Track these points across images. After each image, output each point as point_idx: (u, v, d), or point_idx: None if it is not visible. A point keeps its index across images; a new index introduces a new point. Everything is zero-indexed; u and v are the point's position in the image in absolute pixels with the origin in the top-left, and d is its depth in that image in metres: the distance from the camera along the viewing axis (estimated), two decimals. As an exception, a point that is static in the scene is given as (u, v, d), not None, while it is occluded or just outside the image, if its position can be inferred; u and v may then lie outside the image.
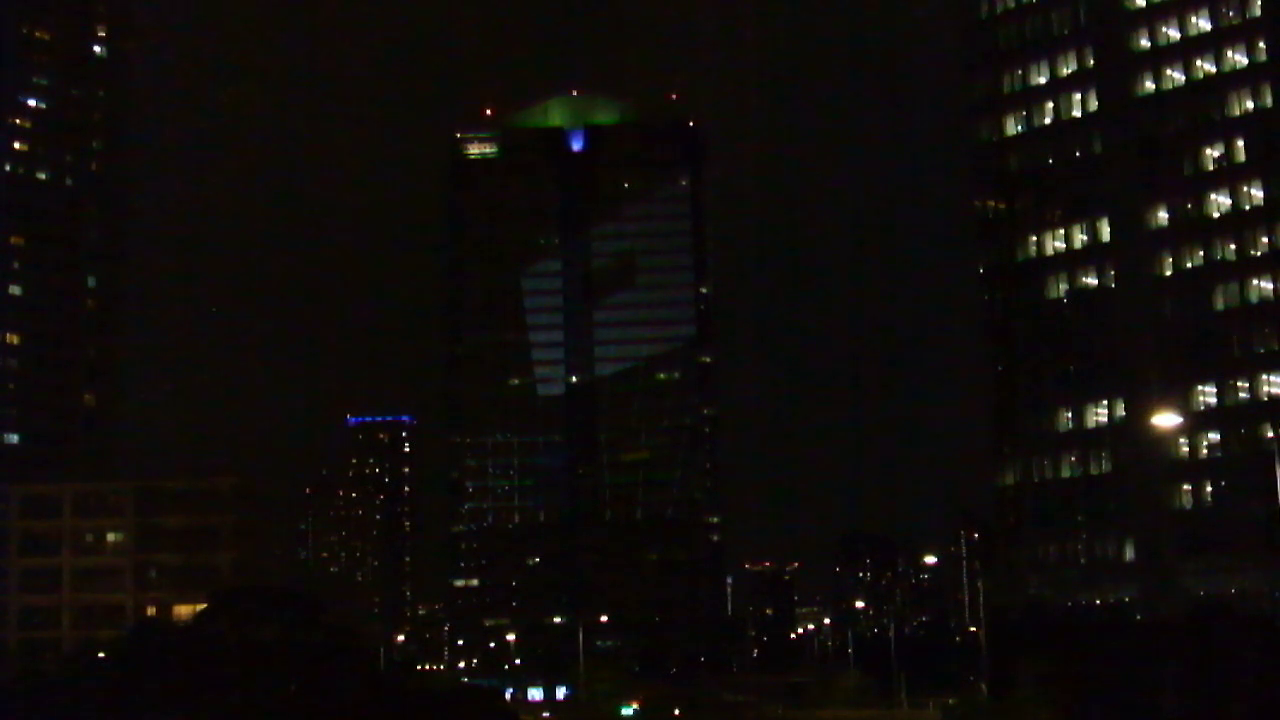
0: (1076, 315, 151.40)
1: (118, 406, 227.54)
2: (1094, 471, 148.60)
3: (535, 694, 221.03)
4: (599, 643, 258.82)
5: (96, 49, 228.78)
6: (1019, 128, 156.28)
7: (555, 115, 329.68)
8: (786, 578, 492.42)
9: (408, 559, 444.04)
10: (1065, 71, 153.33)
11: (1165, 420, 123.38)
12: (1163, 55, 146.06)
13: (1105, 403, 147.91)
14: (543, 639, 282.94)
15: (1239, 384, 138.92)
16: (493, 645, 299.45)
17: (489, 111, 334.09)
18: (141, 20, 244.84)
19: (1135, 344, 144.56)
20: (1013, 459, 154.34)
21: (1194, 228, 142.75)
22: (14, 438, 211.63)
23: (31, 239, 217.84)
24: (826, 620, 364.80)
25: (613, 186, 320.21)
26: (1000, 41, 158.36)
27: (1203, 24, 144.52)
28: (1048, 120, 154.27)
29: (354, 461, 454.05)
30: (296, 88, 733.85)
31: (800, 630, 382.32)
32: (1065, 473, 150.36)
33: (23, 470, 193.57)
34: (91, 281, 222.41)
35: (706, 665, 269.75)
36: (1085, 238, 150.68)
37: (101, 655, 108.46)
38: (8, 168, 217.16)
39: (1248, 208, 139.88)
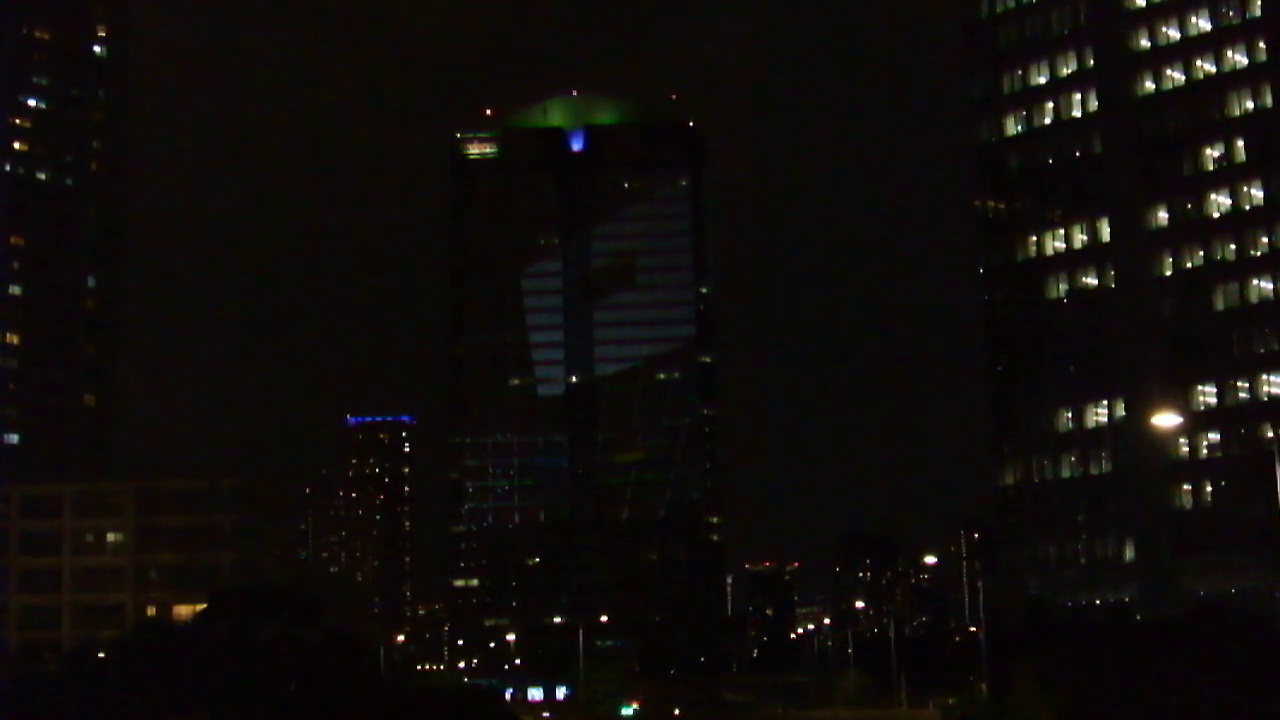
0: (1076, 315, 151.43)
1: (118, 406, 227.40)
2: (1094, 471, 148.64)
3: (535, 694, 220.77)
4: (599, 643, 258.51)
5: (96, 49, 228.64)
6: (1019, 128, 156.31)
7: (555, 115, 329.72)
8: (786, 578, 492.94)
9: (408, 559, 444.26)
10: (1065, 71, 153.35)
11: (1165, 420, 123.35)
12: (1163, 55, 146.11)
13: (1105, 403, 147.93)
14: (543, 639, 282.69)
15: (1239, 384, 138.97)
16: (493, 645, 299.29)
17: (489, 111, 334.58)
18: (141, 20, 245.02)
19: (1135, 344, 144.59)
20: (1013, 459, 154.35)
21: (1194, 228, 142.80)
22: (14, 438, 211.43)
23: (31, 239, 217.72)
24: (826, 620, 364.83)
25: (613, 186, 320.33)
26: (1000, 41, 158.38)
27: (1203, 24, 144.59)
28: (1048, 120, 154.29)
29: (354, 461, 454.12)
30: (297, 88, 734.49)
31: (800, 630, 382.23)
32: (1065, 473, 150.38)
33: (23, 470, 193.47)
34: (91, 281, 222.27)
35: (706, 665, 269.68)
36: (1085, 238, 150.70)
37: (101, 655, 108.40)
38: (8, 168, 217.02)
39: (1248, 208, 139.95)
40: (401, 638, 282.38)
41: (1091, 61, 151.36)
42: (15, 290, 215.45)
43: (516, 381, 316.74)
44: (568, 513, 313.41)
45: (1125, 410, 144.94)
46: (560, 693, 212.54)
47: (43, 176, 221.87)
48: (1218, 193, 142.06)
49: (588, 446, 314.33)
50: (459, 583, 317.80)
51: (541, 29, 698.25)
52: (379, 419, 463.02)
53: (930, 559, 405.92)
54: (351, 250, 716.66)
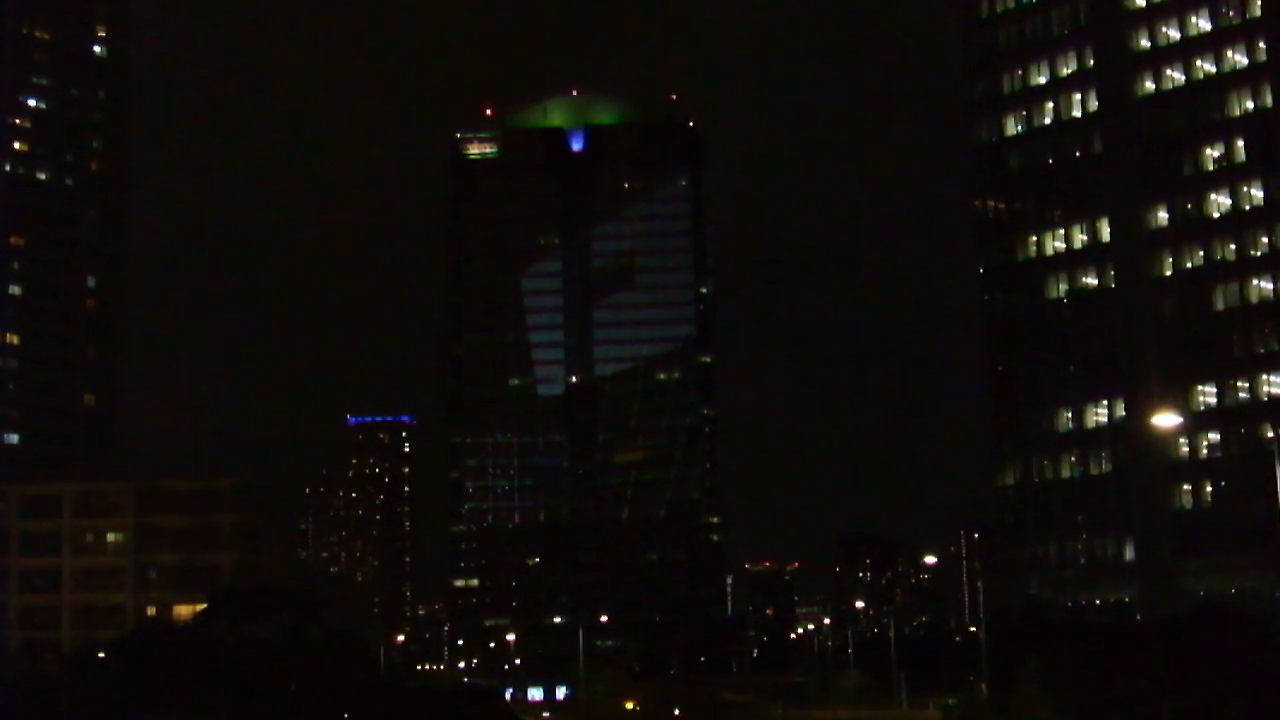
0: (1076, 315, 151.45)
1: (118, 406, 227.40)
2: (1094, 471, 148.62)
3: (535, 694, 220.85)
4: (599, 643, 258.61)
5: (96, 49, 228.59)
6: (1019, 128, 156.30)
7: (555, 115, 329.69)
8: (786, 578, 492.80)
9: (408, 559, 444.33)
10: (1065, 71, 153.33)
11: (1165, 420, 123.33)
12: (1163, 55, 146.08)
13: (1105, 403, 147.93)
14: (543, 639, 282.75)
15: (1239, 384, 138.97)
16: (493, 645, 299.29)
17: (489, 111, 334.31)
18: (141, 20, 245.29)
19: (1135, 344, 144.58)
20: (1013, 459, 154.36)
21: (1194, 228, 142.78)
22: (14, 438, 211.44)
23: (31, 239, 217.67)
24: (826, 620, 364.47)
25: (613, 186, 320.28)
26: (1000, 41, 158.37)
27: (1203, 24, 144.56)
28: (1048, 120, 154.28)
29: (354, 461, 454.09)
30: (297, 87, 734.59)
31: (800, 630, 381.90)
32: (1065, 473, 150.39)
33: (23, 470, 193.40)
34: (91, 281, 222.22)
35: (706, 665, 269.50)
36: (1085, 238, 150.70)
37: (101, 655, 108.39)
38: (8, 168, 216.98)
39: (1248, 208, 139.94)
40: (401, 638, 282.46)
41: (1091, 61, 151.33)
42: (15, 290, 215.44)
43: (516, 381, 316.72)
44: (568, 513, 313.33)
45: (1125, 410, 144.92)
46: (560, 693, 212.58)
47: (43, 176, 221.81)
48: (1218, 193, 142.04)
49: (588, 446, 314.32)
50: (459, 583, 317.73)
51: (541, 29, 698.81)
52: (379, 419, 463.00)
53: (930, 559, 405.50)
54: (351, 250, 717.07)
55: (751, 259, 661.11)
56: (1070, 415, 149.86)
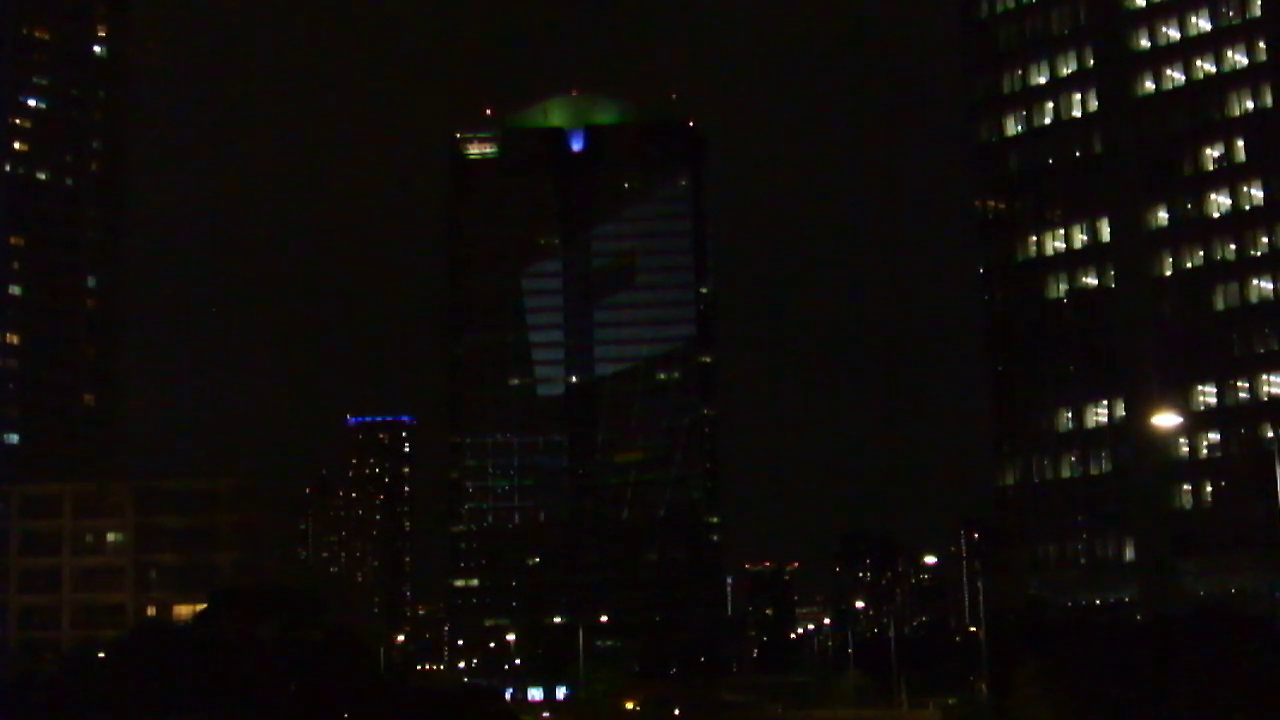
0: (1076, 315, 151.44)
1: (118, 406, 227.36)
2: (1094, 471, 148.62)
3: (535, 694, 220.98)
4: (599, 643, 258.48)
5: (96, 49, 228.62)
6: (1019, 128, 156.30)
7: (555, 115, 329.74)
8: (786, 578, 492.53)
9: (408, 559, 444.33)
10: (1065, 71, 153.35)
11: (1165, 420, 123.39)
12: (1163, 55, 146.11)
13: (1105, 403, 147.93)
14: (543, 639, 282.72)
15: (1239, 384, 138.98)
16: (493, 645, 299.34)
17: (489, 111, 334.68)
18: (141, 20, 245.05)
19: (1135, 344, 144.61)
20: (1013, 459, 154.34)
21: (1194, 228, 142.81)
22: (14, 438, 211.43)
23: (31, 239, 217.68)
24: (826, 620, 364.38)
25: (613, 186, 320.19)
26: (1000, 41, 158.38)
27: (1203, 24, 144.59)
28: (1048, 120, 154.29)
29: (354, 461, 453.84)
30: (297, 88, 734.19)
31: (800, 630, 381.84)
32: (1065, 473, 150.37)
33: (23, 470, 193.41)
34: (91, 281, 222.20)
35: (706, 665, 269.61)
36: (1085, 238, 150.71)
37: (101, 655, 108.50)
38: (8, 168, 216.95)
39: (1248, 208, 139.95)
40: (401, 638, 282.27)
41: (1091, 61, 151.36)
42: (15, 290, 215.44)
43: (516, 381, 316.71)
44: (568, 513, 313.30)
45: (1125, 410, 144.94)
46: (560, 693, 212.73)
47: (43, 176, 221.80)
48: (1218, 193, 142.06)
49: (588, 446, 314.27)
50: (459, 583, 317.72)
51: (541, 29, 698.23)
52: (379, 419, 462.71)
53: (930, 559, 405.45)
54: (351, 250, 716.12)
55: (751, 259, 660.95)
56: (1070, 415, 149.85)
